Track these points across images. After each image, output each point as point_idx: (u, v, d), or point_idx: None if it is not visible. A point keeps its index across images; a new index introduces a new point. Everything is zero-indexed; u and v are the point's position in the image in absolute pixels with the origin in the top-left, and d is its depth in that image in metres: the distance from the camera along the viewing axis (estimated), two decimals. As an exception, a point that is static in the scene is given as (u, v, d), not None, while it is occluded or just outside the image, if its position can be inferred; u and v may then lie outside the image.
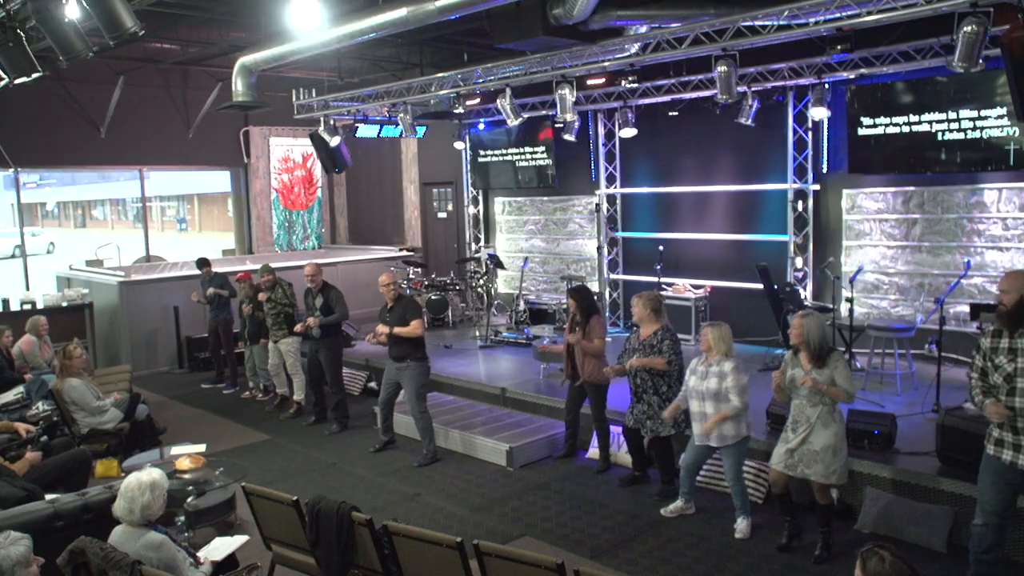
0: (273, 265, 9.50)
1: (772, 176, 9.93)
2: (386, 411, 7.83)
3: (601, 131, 11.73)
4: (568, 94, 8.79)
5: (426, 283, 12.58)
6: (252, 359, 9.82)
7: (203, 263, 10.67)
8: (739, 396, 5.51)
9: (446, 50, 11.41)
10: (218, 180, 20.84)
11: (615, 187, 11.75)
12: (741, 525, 5.71)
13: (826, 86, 8.80)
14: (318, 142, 11.79)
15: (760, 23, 6.99)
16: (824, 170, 9.53)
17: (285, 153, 15.47)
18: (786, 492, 5.40)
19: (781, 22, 6.90)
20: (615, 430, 7.13)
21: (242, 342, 10.06)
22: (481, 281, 12.67)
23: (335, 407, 8.60)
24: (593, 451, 7.36)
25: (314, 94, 11.51)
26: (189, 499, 5.59)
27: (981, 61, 6.20)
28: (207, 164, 15.17)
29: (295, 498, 4.55)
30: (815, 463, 5.11)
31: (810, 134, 9.49)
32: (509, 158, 12.86)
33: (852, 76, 8.66)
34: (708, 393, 5.59)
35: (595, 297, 11.10)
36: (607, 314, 11.71)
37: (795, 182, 9.67)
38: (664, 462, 6.50)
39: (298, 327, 8.65)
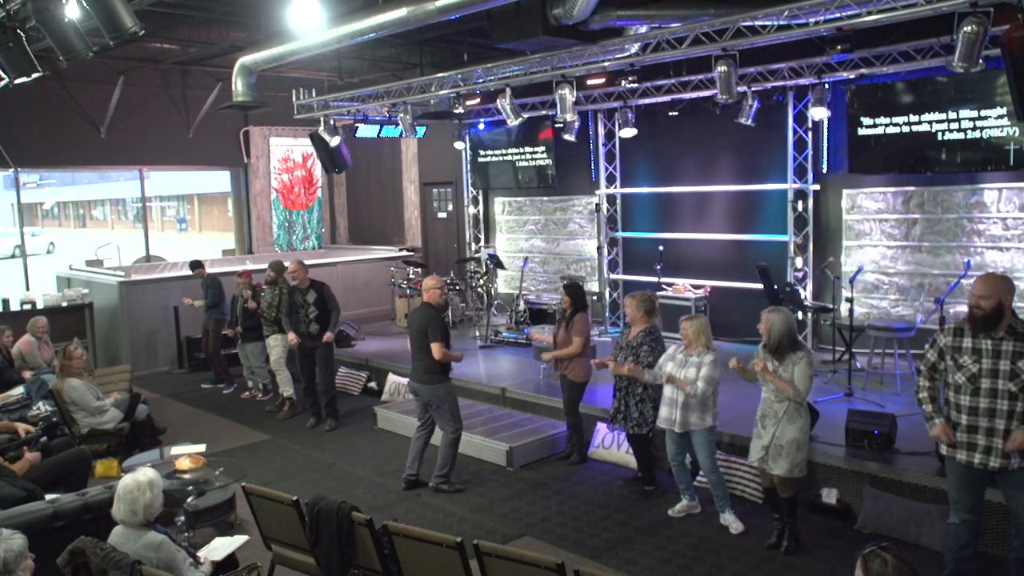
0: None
1: (772, 176, 9.92)
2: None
3: (601, 131, 11.73)
4: (568, 94, 8.79)
5: (426, 283, 12.55)
6: (247, 359, 9.83)
7: (196, 265, 10.70)
8: (705, 383, 5.63)
9: (446, 50, 11.41)
10: (218, 180, 20.85)
11: (615, 187, 11.75)
12: (729, 519, 5.78)
13: (826, 86, 8.79)
14: (318, 142, 11.80)
15: (760, 23, 6.99)
16: (824, 170, 9.53)
17: (285, 153, 15.47)
18: (774, 486, 5.45)
19: (781, 22, 6.90)
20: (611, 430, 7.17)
21: (232, 330, 10.01)
22: (481, 281, 12.67)
23: (327, 404, 8.70)
24: (594, 449, 7.38)
25: (314, 94, 11.51)
26: (189, 499, 5.58)
27: (981, 61, 6.20)
28: (207, 164, 15.18)
29: (295, 498, 4.55)
30: (780, 458, 5.22)
31: (810, 134, 9.49)
32: (509, 158, 12.86)
33: (852, 76, 8.66)
34: (685, 380, 5.70)
35: (589, 297, 11.09)
36: (607, 314, 11.72)
37: (795, 182, 9.67)
38: (642, 460, 6.59)
39: (291, 338, 8.60)
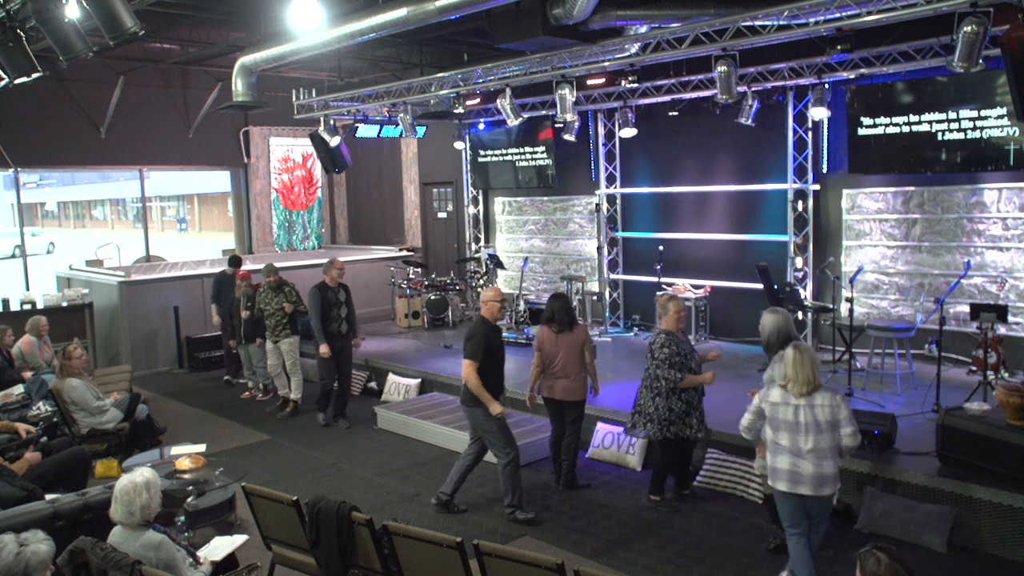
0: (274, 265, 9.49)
1: (772, 176, 9.93)
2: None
3: (601, 131, 11.73)
4: (568, 94, 8.79)
5: (426, 283, 12.58)
6: (248, 359, 9.82)
7: (237, 263, 10.58)
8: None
9: (446, 50, 11.41)
10: (218, 180, 20.86)
11: (615, 187, 11.75)
12: None
13: (826, 86, 8.80)
14: (318, 142, 11.80)
15: (760, 23, 7.00)
16: (824, 170, 9.54)
17: (285, 153, 15.47)
18: None
19: (781, 22, 6.90)
20: (615, 430, 7.14)
21: (234, 341, 10.02)
22: (481, 281, 12.67)
23: (342, 406, 8.84)
24: (594, 449, 7.38)
25: (314, 94, 11.52)
26: (189, 499, 5.59)
27: (981, 61, 6.20)
28: (207, 164, 15.17)
29: (295, 498, 4.55)
30: None
31: (810, 134, 9.49)
32: (509, 158, 12.86)
33: (852, 76, 8.66)
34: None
35: (588, 297, 10.91)
36: (607, 314, 11.72)
37: (795, 182, 9.67)
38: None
39: (324, 350, 8.38)
